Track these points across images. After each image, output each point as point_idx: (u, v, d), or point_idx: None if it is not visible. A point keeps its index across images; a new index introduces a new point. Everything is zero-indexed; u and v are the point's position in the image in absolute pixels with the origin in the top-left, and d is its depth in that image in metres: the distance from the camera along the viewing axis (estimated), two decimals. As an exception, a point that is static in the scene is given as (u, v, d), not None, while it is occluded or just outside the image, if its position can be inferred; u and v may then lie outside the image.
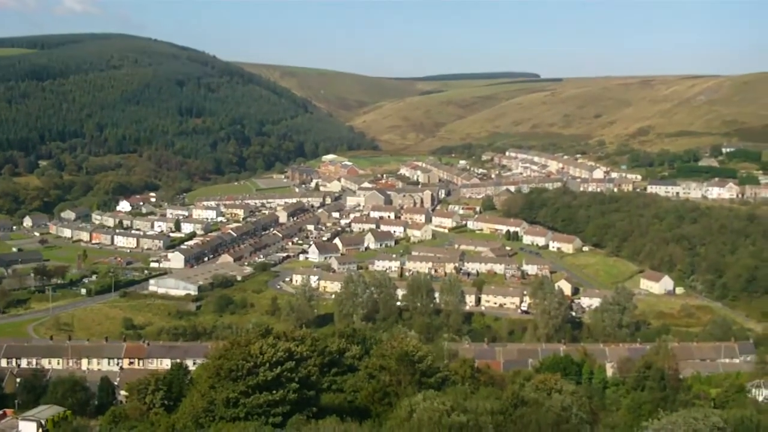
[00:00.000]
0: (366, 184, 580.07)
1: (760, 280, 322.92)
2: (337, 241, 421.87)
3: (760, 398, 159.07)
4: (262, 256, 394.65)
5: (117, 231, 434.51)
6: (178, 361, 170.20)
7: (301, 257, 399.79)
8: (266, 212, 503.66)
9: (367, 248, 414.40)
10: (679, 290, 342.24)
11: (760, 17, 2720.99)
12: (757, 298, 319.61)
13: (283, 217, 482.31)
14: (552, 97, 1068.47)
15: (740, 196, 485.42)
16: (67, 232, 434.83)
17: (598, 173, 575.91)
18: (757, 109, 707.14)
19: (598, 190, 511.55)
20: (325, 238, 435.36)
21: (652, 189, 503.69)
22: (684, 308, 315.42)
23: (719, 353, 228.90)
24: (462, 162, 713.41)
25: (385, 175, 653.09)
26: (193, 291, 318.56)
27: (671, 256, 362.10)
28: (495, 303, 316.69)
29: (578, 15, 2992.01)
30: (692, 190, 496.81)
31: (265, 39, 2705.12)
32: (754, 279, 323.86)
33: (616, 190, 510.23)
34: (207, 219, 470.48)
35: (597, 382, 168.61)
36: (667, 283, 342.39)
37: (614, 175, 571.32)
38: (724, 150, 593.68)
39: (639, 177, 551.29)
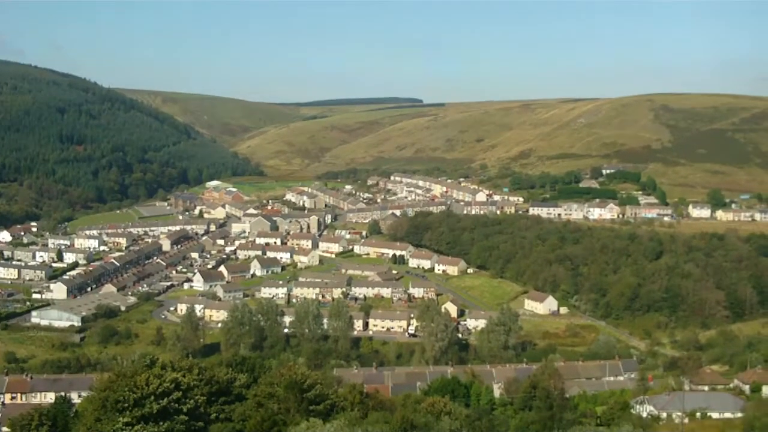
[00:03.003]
0: (251, 210, 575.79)
1: (642, 298, 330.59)
2: (222, 268, 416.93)
3: (644, 414, 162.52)
4: (145, 286, 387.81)
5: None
6: (63, 394, 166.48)
7: (186, 286, 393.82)
8: (149, 240, 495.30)
9: (253, 275, 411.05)
10: (564, 310, 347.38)
11: (636, 41, 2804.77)
12: (640, 316, 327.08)
13: (166, 245, 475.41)
14: (435, 122, 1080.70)
15: (621, 216, 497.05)
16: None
17: (481, 196, 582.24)
18: (636, 131, 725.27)
19: (482, 212, 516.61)
20: (210, 266, 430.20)
21: (534, 211, 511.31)
22: (569, 328, 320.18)
23: (604, 371, 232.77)
24: (348, 187, 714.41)
25: (270, 201, 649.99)
26: (76, 322, 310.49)
27: (555, 276, 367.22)
28: (383, 327, 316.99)
29: (458, 40, 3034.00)
30: (574, 212, 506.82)
31: (146, 64, 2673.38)
32: (636, 297, 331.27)
33: (498, 212, 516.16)
34: (89, 248, 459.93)
35: (485, 404, 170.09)
36: (551, 303, 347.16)
37: (497, 197, 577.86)
38: (604, 171, 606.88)
39: (521, 199, 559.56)
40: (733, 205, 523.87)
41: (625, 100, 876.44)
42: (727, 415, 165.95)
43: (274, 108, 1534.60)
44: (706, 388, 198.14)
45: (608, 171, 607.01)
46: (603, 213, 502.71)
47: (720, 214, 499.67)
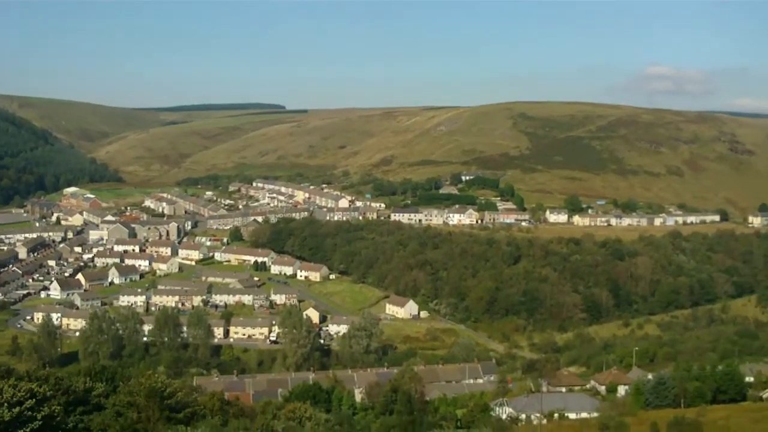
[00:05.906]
0: (109, 217, 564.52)
1: (500, 302, 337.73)
2: (79, 276, 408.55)
3: (504, 416, 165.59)
4: (1, 294, 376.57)
5: None
6: None
7: (43, 294, 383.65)
8: (5, 248, 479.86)
9: (111, 283, 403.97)
10: (424, 314, 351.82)
11: (495, 49, 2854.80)
12: (498, 320, 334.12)
13: (22, 253, 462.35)
14: (298, 128, 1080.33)
15: (480, 221, 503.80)
16: None
17: (344, 202, 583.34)
18: (494, 139, 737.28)
19: (344, 218, 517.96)
20: (67, 274, 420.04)
21: (395, 217, 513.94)
22: (429, 332, 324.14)
23: (464, 374, 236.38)
24: (208, 193, 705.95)
25: (129, 208, 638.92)
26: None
27: (415, 281, 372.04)
28: (244, 334, 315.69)
29: (320, 44, 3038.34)
30: (434, 217, 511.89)
31: (1, 68, 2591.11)
32: (494, 301, 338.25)
33: (361, 218, 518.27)
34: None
35: (346, 409, 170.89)
36: (412, 307, 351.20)
37: (359, 204, 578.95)
38: (463, 178, 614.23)
39: (383, 205, 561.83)
40: (590, 211, 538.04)
41: (485, 108, 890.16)
42: (584, 415, 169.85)
43: (134, 113, 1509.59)
44: (563, 389, 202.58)
45: (467, 177, 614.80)
46: (462, 218, 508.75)
47: (577, 219, 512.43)
